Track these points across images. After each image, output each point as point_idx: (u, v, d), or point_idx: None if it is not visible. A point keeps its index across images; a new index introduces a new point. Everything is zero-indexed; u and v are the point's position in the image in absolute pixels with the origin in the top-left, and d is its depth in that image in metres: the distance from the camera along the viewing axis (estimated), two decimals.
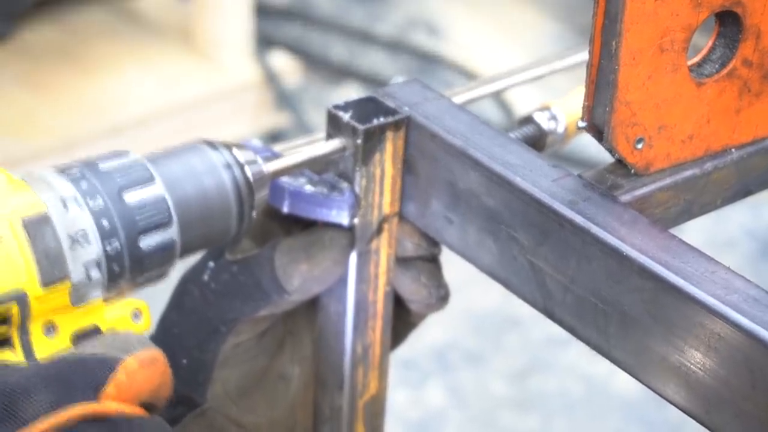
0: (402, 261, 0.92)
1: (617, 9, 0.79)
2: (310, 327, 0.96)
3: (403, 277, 0.91)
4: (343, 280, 0.90)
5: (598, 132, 0.83)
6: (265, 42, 3.50)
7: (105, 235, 0.76)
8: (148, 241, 0.78)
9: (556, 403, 2.75)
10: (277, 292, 0.88)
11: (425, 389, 2.76)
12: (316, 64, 3.64)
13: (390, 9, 3.97)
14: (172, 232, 0.79)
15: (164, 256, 0.79)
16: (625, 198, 0.83)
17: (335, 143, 0.86)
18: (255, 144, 0.88)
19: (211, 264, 0.91)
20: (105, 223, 0.76)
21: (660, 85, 0.83)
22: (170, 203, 0.79)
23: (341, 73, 3.64)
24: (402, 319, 0.96)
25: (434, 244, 0.91)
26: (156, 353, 0.73)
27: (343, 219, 0.87)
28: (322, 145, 0.87)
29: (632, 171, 0.85)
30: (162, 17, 3.47)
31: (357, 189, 0.87)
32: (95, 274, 0.76)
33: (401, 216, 0.91)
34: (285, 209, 0.87)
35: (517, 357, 2.85)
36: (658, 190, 0.85)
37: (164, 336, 0.93)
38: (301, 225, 0.91)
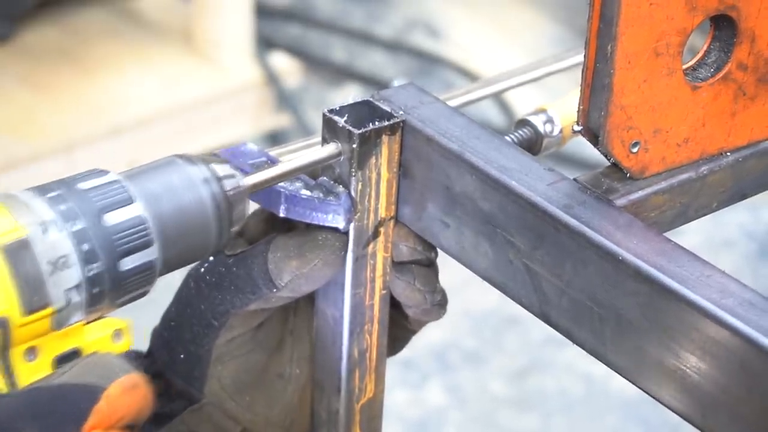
0: (397, 265, 0.92)
1: (612, 13, 0.79)
2: (310, 327, 0.96)
3: (398, 282, 0.91)
4: (339, 284, 0.90)
5: (593, 136, 0.83)
6: (265, 43, 3.50)
7: (85, 260, 0.75)
8: (128, 263, 0.77)
9: (555, 403, 2.75)
10: (267, 285, 0.88)
11: (425, 389, 2.76)
12: (317, 64, 3.64)
13: (390, 10, 3.97)
14: (152, 253, 0.78)
15: (144, 276, 0.78)
16: (621, 202, 0.83)
17: (331, 148, 0.86)
18: (250, 148, 0.88)
19: (211, 258, 0.92)
20: (85, 246, 0.75)
21: (655, 89, 0.83)
22: (150, 223, 0.78)
23: (341, 73, 3.64)
24: (400, 326, 0.97)
25: (430, 248, 0.91)
26: (137, 379, 0.74)
27: (339, 223, 0.87)
28: (317, 150, 0.86)
29: (627, 175, 0.85)
30: (162, 18, 3.47)
31: (353, 193, 0.87)
32: (76, 298, 0.76)
33: (397, 220, 0.91)
34: (281, 213, 0.87)
35: (516, 357, 2.85)
36: (653, 193, 0.85)
37: (163, 329, 0.94)
38: (300, 230, 0.91)
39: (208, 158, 0.83)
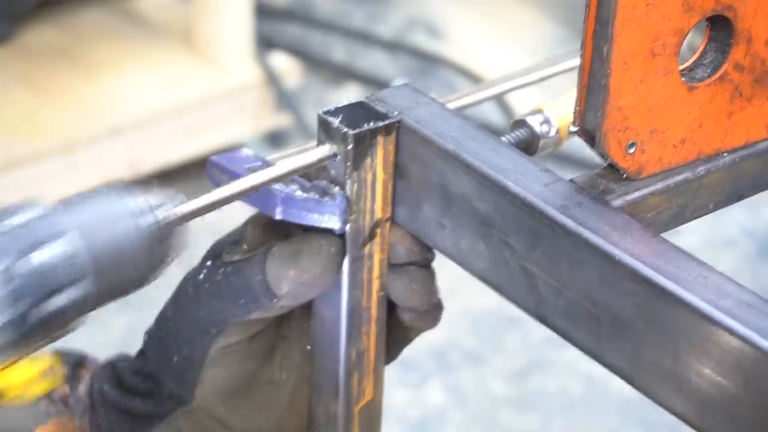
0: (394, 267, 0.91)
1: (608, 13, 0.79)
2: (301, 333, 0.96)
3: (395, 283, 0.91)
4: (336, 286, 0.90)
5: (590, 137, 0.83)
6: (265, 43, 3.49)
7: (11, 300, 0.73)
8: (57, 301, 0.75)
9: (555, 403, 2.75)
10: (267, 296, 0.88)
11: (425, 389, 2.76)
12: (317, 64, 3.64)
13: (390, 9, 3.96)
14: (83, 287, 0.76)
15: (75, 312, 0.76)
16: (617, 202, 0.83)
17: (325, 149, 0.86)
18: (246, 153, 0.88)
19: (209, 263, 0.91)
20: (11, 287, 0.73)
21: (652, 90, 0.83)
22: (82, 257, 0.76)
23: (341, 73, 3.64)
24: (397, 333, 0.96)
25: (427, 249, 0.91)
26: None
27: (335, 224, 0.87)
28: (312, 152, 0.86)
29: (624, 175, 0.85)
30: (162, 18, 3.47)
31: (348, 194, 0.87)
32: (2, 339, 0.73)
33: (393, 221, 0.90)
34: (277, 216, 0.87)
35: (517, 356, 2.85)
36: (650, 194, 0.85)
37: (159, 330, 0.94)
38: (297, 238, 0.91)
39: (143, 185, 0.80)
